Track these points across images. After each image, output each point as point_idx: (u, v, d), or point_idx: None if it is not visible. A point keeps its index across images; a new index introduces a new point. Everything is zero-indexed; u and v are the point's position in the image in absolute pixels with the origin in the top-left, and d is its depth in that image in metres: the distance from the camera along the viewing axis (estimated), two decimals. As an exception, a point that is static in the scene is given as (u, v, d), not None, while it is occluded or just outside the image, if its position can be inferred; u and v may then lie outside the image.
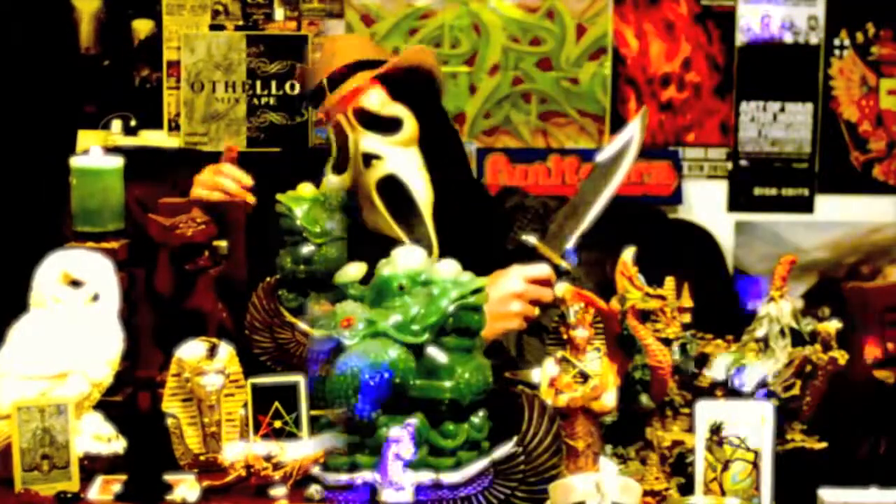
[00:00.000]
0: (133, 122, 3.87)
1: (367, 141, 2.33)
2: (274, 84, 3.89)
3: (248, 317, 2.17)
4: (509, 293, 2.27)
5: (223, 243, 2.49)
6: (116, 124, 3.86)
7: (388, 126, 2.37)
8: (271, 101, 3.90)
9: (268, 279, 2.16)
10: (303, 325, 2.13)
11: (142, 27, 3.91)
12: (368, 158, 2.33)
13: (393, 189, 2.34)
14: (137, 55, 3.87)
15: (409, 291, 1.77)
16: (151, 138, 3.88)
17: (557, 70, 3.72)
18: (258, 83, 3.86)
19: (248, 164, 2.92)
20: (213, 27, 3.87)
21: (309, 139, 3.91)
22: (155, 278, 2.47)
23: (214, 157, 2.94)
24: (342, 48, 2.70)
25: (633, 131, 2.42)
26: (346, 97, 2.58)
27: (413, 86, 2.48)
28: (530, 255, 2.36)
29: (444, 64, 3.65)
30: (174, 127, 3.87)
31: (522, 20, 3.71)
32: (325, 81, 2.65)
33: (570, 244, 2.37)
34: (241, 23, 3.87)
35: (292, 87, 3.89)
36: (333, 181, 2.23)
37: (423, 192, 2.35)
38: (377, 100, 2.52)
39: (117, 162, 2.40)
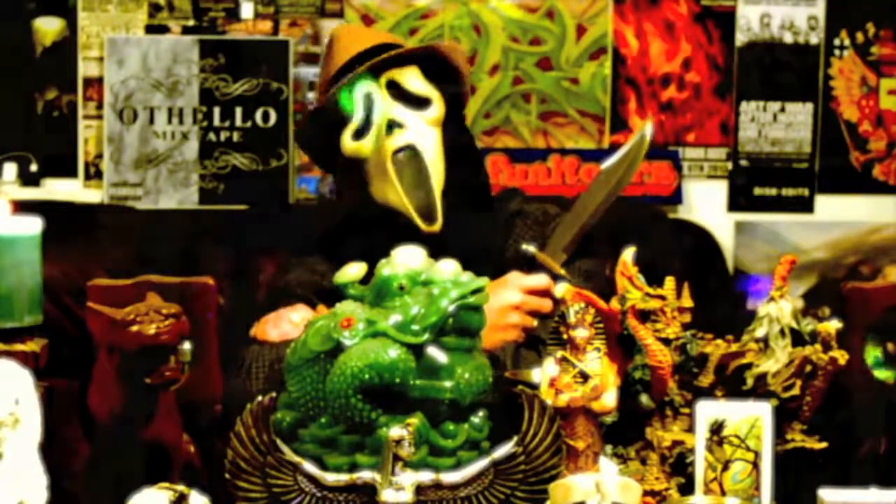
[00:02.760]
0: (34, 167, 2.72)
1: (395, 109, 2.37)
2: (239, 112, 2.83)
3: (229, 454, 1.65)
4: (507, 305, 2.27)
5: (186, 346, 1.75)
6: (10, 169, 2.69)
7: (417, 102, 2.40)
8: (235, 136, 2.82)
9: (259, 398, 1.69)
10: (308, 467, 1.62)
11: (47, 28, 2.72)
12: (391, 126, 2.36)
13: (408, 159, 2.35)
14: (41, 69, 2.75)
15: (409, 291, 1.77)
16: (60, 190, 2.73)
17: (557, 70, 3.72)
18: (216, 111, 2.80)
19: (200, 231, 2.46)
20: (152, 28, 2.79)
21: (290, 193, 2.96)
22: (91, 396, 1.71)
23: (154, 217, 2.39)
24: (366, 33, 2.56)
25: (638, 140, 2.42)
26: (378, 67, 2.40)
27: (441, 79, 2.48)
28: (529, 264, 2.36)
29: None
30: (94, 174, 2.80)
31: (522, 20, 3.71)
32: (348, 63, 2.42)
33: (570, 254, 2.38)
34: (191, 22, 2.80)
35: (266, 116, 2.84)
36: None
37: (437, 170, 2.37)
38: (413, 77, 2.43)
39: (33, 226, 1.71)
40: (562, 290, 1.84)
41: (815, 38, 3.77)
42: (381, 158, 2.36)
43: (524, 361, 2.28)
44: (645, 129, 2.43)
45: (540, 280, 2.31)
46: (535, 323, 2.31)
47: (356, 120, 2.39)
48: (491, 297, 1.81)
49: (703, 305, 1.98)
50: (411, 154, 2.36)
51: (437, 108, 2.42)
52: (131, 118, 2.80)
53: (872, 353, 2.15)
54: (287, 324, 2.26)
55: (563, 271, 2.35)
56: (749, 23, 3.76)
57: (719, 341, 1.98)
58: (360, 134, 2.40)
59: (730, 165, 3.79)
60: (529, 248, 2.38)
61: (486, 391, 1.78)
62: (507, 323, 2.27)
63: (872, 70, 3.79)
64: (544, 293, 2.31)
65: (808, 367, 1.91)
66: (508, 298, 2.28)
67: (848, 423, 2.09)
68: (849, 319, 2.06)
